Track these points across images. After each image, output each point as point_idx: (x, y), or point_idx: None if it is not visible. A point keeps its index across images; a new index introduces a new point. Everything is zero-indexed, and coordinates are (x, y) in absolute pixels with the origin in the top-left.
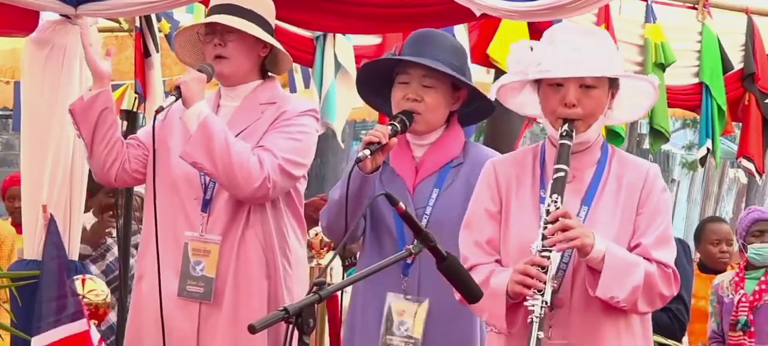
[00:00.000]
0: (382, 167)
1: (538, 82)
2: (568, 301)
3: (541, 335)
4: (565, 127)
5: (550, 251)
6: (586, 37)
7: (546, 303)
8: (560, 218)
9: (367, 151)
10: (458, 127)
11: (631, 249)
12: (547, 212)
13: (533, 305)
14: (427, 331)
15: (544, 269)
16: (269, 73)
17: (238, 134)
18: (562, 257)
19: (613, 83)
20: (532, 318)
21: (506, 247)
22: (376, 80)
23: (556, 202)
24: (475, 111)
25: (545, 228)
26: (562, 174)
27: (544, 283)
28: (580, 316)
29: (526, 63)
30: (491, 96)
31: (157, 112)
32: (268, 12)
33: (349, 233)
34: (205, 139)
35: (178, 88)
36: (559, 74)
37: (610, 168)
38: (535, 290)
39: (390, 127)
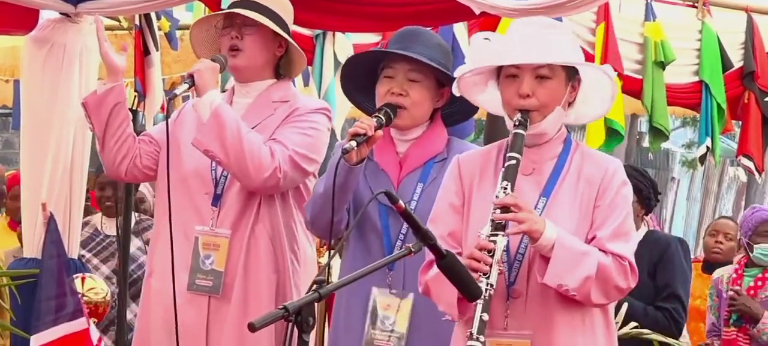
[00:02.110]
0: (366, 162)
1: (499, 77)
2: (524, 291)
3: (486, 316)
4: (519, 116)
5: (497, 236)
6: (544, 29)
7: (491, 286)
8: (511, 204)
9: (353, 143)
10: (441, 124)
11: (587, 242)
12: (497, 198)
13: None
14: (411, 325)
15: (491, 252)
16: (283, 75)
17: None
18: (518, 247)
19: (572, 77)
20: (476, 302)
21: (465, 239)
22: (360, 76)
23: (505, 189)
24: (459, 111)
25: (494, 213)
26: (513, 162)
27: (490, 266)
28: (536, 306)
29: (483, 54)
30: (454, 90)
31: (170, 99)
32: (287, 14)
33: (344, 237)
34: (217, 128)
35: (191, 76)
36: (508, 61)
37: (572, 162)
38: (481, 273)
39: (375, 120)
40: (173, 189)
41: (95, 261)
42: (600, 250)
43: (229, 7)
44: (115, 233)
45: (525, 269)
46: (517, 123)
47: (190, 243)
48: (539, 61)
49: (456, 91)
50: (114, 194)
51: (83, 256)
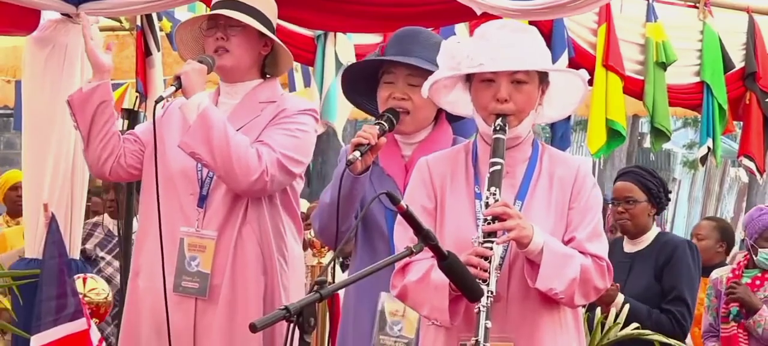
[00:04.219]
0: (372, 168)
1: (469, 80)
2: (505, 294)
3: (489, 324)
4: (499, 121)
5: (492, 242)
6: (517, 33)
7: (492, 293)
8: (500, 214)
9: (357, 153)
10: (447, 125)
11: (565, 244)
12: (486, 205)
13: None
14: (419, 331)
15: (487, 259)
16: (269, 75)
17: (237, 131)
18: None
19: (542, 80)
20: (478, 308)
21: (442, 240)
22: (360, 80)
23: (494, 194)
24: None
25: (485, 221)
26: (498, 167)
27: (488, 273)
28: (518, 309)
29: (459, 59)
30: (423, 93)
31: (157, 102)
32: (271, 11)
33: (347, 237)
34: (204, 130)
35: (178, 78)
36: (492, 68)
37: (542, 164)
38: (480, 280)
39: (378, 127)
40: (161, 188)
41: (109, 258)
42: (579, 251)
43: (213, 8)
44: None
45: (505, 272)
46: (498, 128)
47: (176, 243)
48: (523, 67)
49: (425, 93)
50: (116, 196)
51: (103, 258)
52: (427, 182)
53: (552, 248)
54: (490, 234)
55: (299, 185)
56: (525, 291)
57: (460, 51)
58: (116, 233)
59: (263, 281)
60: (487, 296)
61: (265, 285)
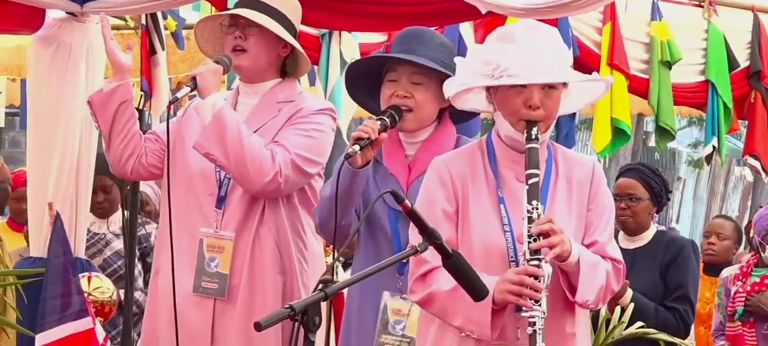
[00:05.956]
0: (375, 167)
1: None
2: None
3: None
4: (534, 130)
5: (540, 259)
6: (542, 37)
7: (544, 313)
8: (547, 231)
9: (357, 147)
10: (450, 124)
11: (587, 247)
12: (529, 219)
13: (533, 316)
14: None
15: (538, 278)
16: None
17: (255, 132)
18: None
19: (565, 84)
20: (534, 330)
21: (468, 249)
22: (365, 78)
23: (536, 209)
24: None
25: (530, 237)
26: (536, 179)
27: (540, 293)
28: (547, 319)
29: (494, 65)
30: (446, 93)
31: (171, 102)
32: (294, 13)
33: (351, 237)
34: (218, 131)
35: (194, 78)
36: (528, 80)
37: (558, 166)
38: (533, 301)
39: (379, 122)
40: (180, 189)
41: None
42: (601, 256)
43: (235, 6)
44: (103, 232)
45: None
46: (531, 137)
47: (196, 244)
48: (560, 80)
49: (449, 92)
50: (106, 198)
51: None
52: (447, 184)
53: (586, 259)
54: (536, 251)
55: (319, 183)
56: (552, 299)
57: (490, 57)
58: (96, 232)
59: (281, 281)
60: (541, 317)
61: (284, 285)
